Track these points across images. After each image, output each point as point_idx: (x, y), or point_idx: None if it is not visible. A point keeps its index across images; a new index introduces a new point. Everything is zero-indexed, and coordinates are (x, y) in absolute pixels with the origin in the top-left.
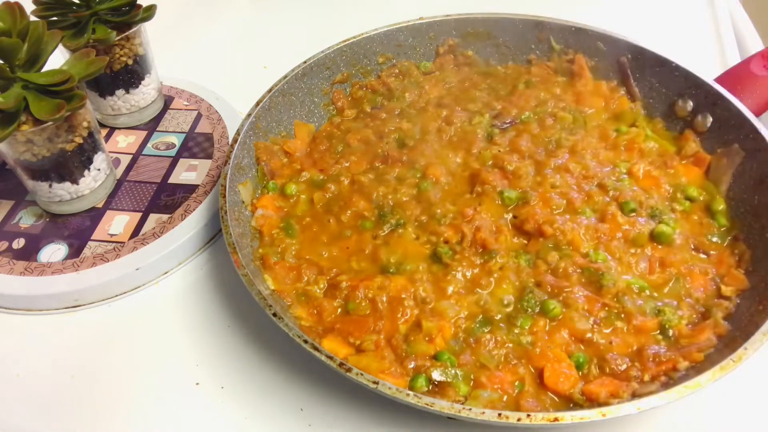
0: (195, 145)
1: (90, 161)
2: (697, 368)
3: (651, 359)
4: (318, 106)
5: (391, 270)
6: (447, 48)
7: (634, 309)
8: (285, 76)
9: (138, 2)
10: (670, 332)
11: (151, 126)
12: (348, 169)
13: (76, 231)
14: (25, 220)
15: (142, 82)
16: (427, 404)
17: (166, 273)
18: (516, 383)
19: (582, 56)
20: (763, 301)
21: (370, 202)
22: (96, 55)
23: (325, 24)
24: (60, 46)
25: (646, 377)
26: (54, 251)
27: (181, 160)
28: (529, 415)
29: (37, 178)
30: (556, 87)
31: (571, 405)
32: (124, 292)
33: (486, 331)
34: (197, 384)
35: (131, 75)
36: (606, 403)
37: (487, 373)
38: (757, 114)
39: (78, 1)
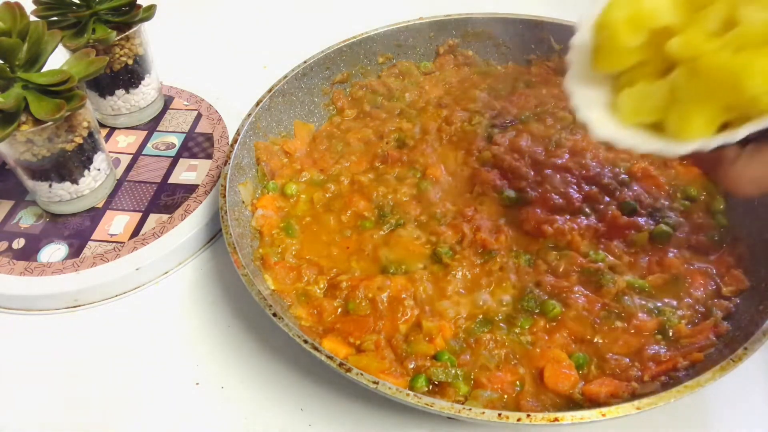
0: (195, 145)
1: (90, 161)
2: (697, 368)
3: (651, 359)
4: (318, 106)
5: (391, 270)
6: (447, 48)
7: (634, 309)
8: (285, 76)
9: (138, 2)
10: (670, 332)
11: (151, 126)
12: (348, 169)
13: (76, 231)
14: (25, 220)
15: (142, 82)
16: (427, 404)
17: (166, 273)
18: (516, 383)
19: None
20: (764, 301)
21: (370, 202)
22: (96, 55)
23: (325, 24)
24: (60, 46)
25: (646, 377)
26: (54, 251)
27: (181, 160)
28: (529, 415)
29: (37, 178)
30: (556, 87)
31: (571, 405)
32: (124, 292)
33: (486, 331)
34: (197, 384)
35: (131, 75)
36: (606, 403)
37: (487, 373)
38: None
39: (78, 1)
